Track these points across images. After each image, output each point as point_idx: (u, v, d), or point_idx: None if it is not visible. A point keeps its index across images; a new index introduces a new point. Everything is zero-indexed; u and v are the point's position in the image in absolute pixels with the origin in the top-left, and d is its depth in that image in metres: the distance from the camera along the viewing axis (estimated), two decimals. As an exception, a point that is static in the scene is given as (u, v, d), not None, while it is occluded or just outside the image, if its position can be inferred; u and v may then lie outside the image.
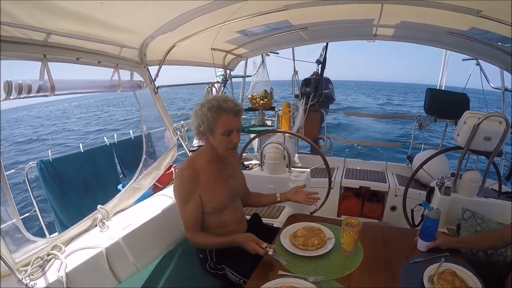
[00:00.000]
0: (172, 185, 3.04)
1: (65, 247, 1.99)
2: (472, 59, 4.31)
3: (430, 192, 3.06)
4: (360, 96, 53.88)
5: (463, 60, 4.40)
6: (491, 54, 3.55)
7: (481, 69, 4.49)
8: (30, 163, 3.14)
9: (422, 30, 3.33)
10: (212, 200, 1.93)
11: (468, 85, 4.96)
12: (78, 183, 3.58)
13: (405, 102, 43.36)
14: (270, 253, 1.69)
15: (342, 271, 1.63)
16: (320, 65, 5.51)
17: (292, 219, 2.19)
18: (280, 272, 1.61)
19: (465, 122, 2.76)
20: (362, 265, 1.69)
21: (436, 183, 3.02)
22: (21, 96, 1.51)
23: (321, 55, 5.45)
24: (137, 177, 2.76)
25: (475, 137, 2.70)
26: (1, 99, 1.46)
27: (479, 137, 2.70)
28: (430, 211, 1.81)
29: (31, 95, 1.58)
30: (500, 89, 4.56)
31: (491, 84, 4.63)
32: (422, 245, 1.84)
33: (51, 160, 3.32)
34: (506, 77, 4.38)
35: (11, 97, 1.47)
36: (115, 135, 4.20)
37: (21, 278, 1.62)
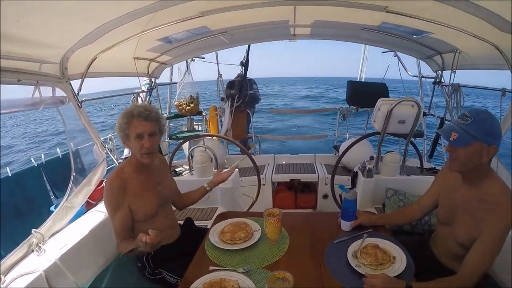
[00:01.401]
0: (103, 198, 3.01)
1: (5, 277, 1.92)
2: (390, 51, 4.65)
3: (354, 176, 3.27)
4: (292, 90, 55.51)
5: (382, 52, 4.72)
6: (406, 46, 3.88)
7: (399, 59, 4.88)
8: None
9: (338, 28, 3.55)
10: (142, 207, 1.96)
11: (390, 75, 5.31)
12: (9, 209, 3.43)
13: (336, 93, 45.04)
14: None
15: (270, 259, 1.74)
16: (243, 67, 5.62)
17: (221, 217, 2.27)
18: (211, 268, 1.68)
19: (379, 109, 2.98)
20: (288, 251, 1.81)
21: (359, 167, 3.23)
22: None
23: (244, 57, 5.55)
24: (69, 195, 2.69)
25: (390, 121, 2.93)
26: None
27: (394, 121, 2.93)
28: (347, 193, 1.96)
29: None
30: (417, 77, 4.95)
31: (409, 72, 5.03)
32: (345, 225, 2.00)
33: (-22, 187, 3.14)
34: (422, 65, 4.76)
35: None
36: (42, 155, 4.05)
37: None
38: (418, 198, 2.75)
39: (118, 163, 3.25)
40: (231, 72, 5.83)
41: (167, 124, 4.79)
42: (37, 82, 2.29)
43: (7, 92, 2.06)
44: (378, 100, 3.05)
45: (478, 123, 1.52)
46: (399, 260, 1.64)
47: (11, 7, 1.47)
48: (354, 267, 1.59)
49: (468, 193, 1.70)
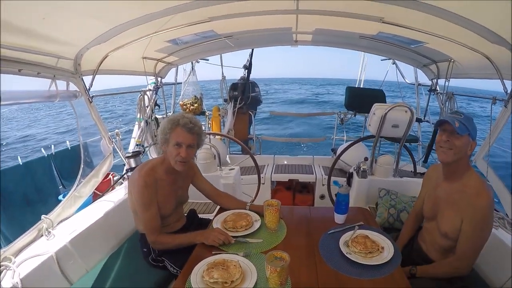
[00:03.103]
0: (112, 191, 3.12)
1: (15, 258, 2.00)
2: (389, 59, 4.78)
3: (350, 177, 3.42)
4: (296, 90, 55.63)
5: (381, 60, 4.85)
6: (403, 54, 4.02)
7: (397, 67, 5.00)
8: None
9: (337, 36, 3.69)
10: (161, 208, 2.09)
11: (388, 79, 5.50)
12: (19, 197, 3.53)
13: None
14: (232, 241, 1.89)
15: (268, 245, 1.88)
16: (246, 70, 5.76)
17: (222, 210, 2.39)
18: (214, 252, 1.81)
19: (374, 113, 3.14)
20: (286, 239, 1.96)
21: (354, 168, 3.37)
22: None
23: (247, 61, 5.69)
24: (77, 185, 2.81)
25: (384, 125, 3.07)
26: None
27: (388, 125, 3.08)
28: (340, 188, 2.11)
29: None
30: (414, 84, 5.12)
31: (406, 80, 5.19)
32: (338, 218, 2.14)
33: (-11, 175, 3.25)
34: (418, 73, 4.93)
35: None
36: (52, 146, 4.17)
37: None
38: (414, 198, 2.90)
39: (125, 158, 3.39)
40: (235, 74, 5.98)
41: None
42: (54, 76, 2.44)
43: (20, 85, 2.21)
44: (373, 105, 3.20)
45: (468, 119, 1.73)
46: (387, 249, 1.77)
47: (39, 6, 1.63)
48: (345, 254, 1.73)
49: (449, 187, 1.86)
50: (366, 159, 3.32)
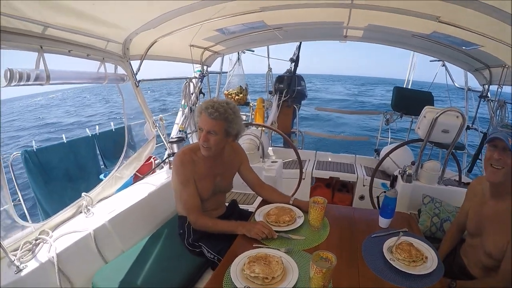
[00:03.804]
0: (152, 174, 3.15)
1: (52, 232, 2.04)
2: (438, 60, 4.61)
3: (394, 180, 3.29)
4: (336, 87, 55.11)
5: (430, 61, 4.68)
6: (455, 56, 3.84)
7: (447, 70, 4.81)
8: (14, 152, 3.19)
9: (389, 33, 3.56)
10: (198, 190, 2.11)
11: (436, 81, 5.25)
12: (61, 172, 3.64)
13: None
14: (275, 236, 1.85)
15: (311, 243, 1.82)
16: (293, 63, 5.70)
17: (264, 203, 2.35)
18: (255, 245, 1.77)
19: (424, 116, 3.01)
20: (329, 238, 1.89)
21: (399, 171, 3.26)
22: (21, 83, 1.61)
23: (294, 54, 5.64)
24: (119, 166, 2.86)
25: (434, 129, 2.95)
26: (2, 86, 1.56)
27: (438, 130, 2.95)
28: (389, 191, 2.02)
29: (29, 83, 1.68)
30: (464, 88, 4.88)
31: (456, 84, 4.97)
32: (382, 222, 2.05)
33: (35, 150, 3.37)
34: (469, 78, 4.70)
35: (12, 84, 1.58)
36: (97, 127, 4.28)
37: (13, 260, 1.68)
38: (454, 209, 2.80)
39: (168, 143, 3.41)
40: (279, 68, 5.94)
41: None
42: (103, 58, 2.48)
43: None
44: (425, 108, 3.09)
45: None
46: (431, 260, 1.68)
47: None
48: (389, 260, 1.65)
49: (496, 205, 1.75)
50: (413, 163, 3.21)
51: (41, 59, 1.81)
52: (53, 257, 1.81)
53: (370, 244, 1.85)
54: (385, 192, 2.09)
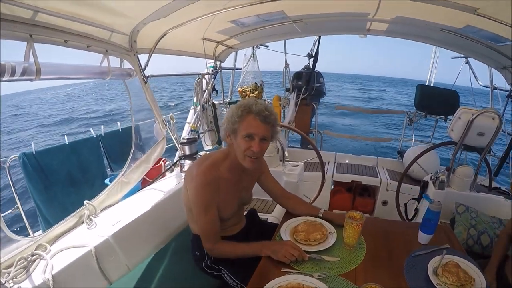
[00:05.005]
0: (162, 178, 2.95)
1: (50, 246, 1.86)
2: (462, 57, 4.37)
3: (424, 186, 3.09)
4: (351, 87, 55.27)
5: (452, 58, 4.44)
6: (482, 52, 3.61)
7: (470, 67, 4.56)
8: (12, 155, 2.97)
9: (416, 26, 3.34)
10: (222, 211, 1.80)
11: (456, 82, 5.07)
12: (63, 177, 3.44)
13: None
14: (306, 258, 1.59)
15: (347, 266, 1.57)
16: (311, 59, 5.49)
17: (288, 214, 2.09)
18: (283, 269, 1.53)
19: (459, 118, 2.82)
20: (366, 259, 1.64)
21: (430, 177, 3.04)
22: (3, 79, 1.37)
23: (312, 49, 5.43)
24: (126, 170, 2.65)
25: (469, 132, 2.76)
26: None
27: (473, 132, 2.76)
28: (432, 204, 1.78)
29: (14, 78, 1.43)
30: (488, 87, 4.62)
31: (479, 82, 4.72)
32: (422, 237, 1.82)
33: (34, 152, 3.17)
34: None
35: None
36: (102, 127, 4.09)
37: (3, 282, 1.51)
38: (495, 219, 2.60)
39: (179, 144, 3.21)
40: (295, 65, 5.74)
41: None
42: (106, 51, 2.25)
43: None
44: (459, 108, 2.89)
45: None
46: (478, 282, 1.48)
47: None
48: (436, 285, 1.44)
49: None
50: (448, 169, 3.00)
51: (31, 50, 1.55)
52: (48, 279, 1.60)
53: (413, 265, 1.61)
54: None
